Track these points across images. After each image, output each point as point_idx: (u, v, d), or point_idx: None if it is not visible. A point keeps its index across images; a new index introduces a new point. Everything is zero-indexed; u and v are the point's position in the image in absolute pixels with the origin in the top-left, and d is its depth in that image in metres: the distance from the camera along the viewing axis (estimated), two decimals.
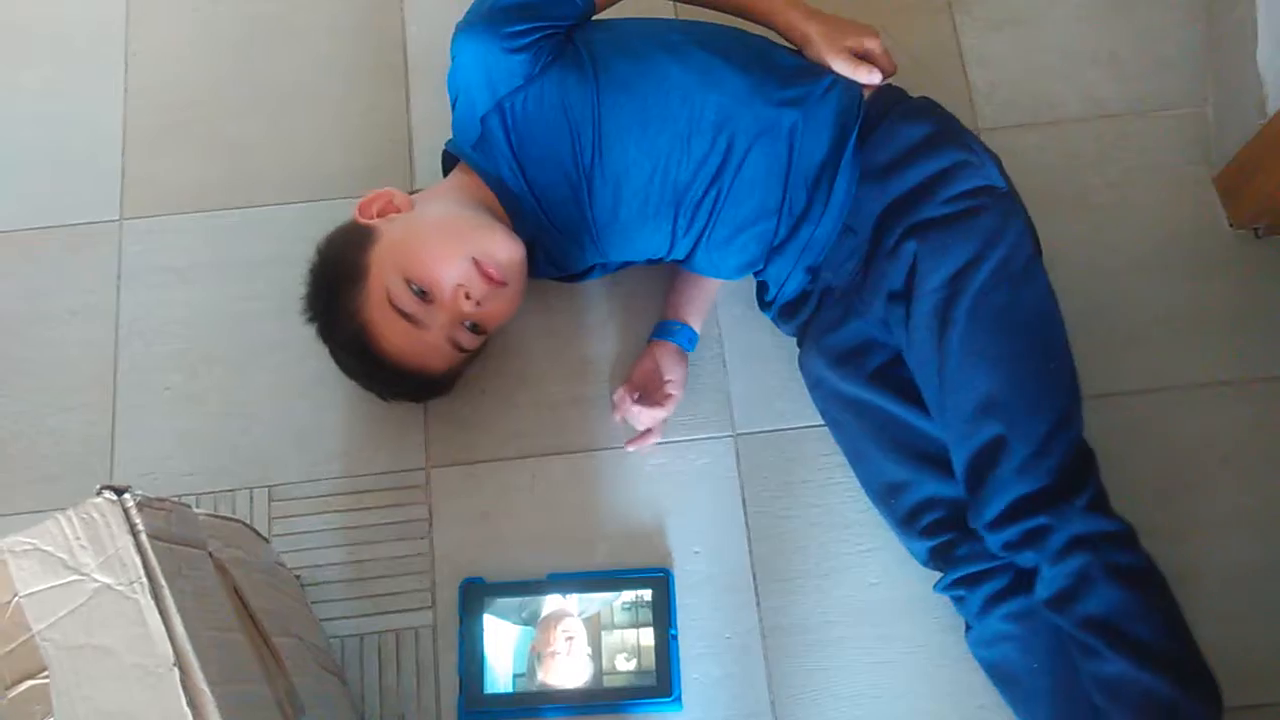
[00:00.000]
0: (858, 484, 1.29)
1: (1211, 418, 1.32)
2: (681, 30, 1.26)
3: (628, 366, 1.36)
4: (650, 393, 1.31)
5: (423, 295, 1.18)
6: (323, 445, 1.34)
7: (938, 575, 1.20)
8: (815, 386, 1.30)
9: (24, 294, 1.41)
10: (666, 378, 1.32)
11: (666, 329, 1.35)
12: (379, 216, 1.23)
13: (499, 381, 1.36)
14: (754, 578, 1.29)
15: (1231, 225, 1.39)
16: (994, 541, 1.11)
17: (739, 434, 1.34)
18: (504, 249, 1.21)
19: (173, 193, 1.46)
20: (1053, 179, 1.42)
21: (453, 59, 1.21)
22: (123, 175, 1.47)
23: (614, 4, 1.27)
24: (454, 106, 1.25)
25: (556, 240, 1.27)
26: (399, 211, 1.23)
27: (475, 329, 1.22)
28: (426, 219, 1.22)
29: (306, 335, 1.37)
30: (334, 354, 1.26)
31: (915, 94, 1.46)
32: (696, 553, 1.30)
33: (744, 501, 1.32)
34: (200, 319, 1.40)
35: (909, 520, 1.21)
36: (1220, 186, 1.40)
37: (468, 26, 1.19)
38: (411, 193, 1.27)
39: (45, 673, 0.79)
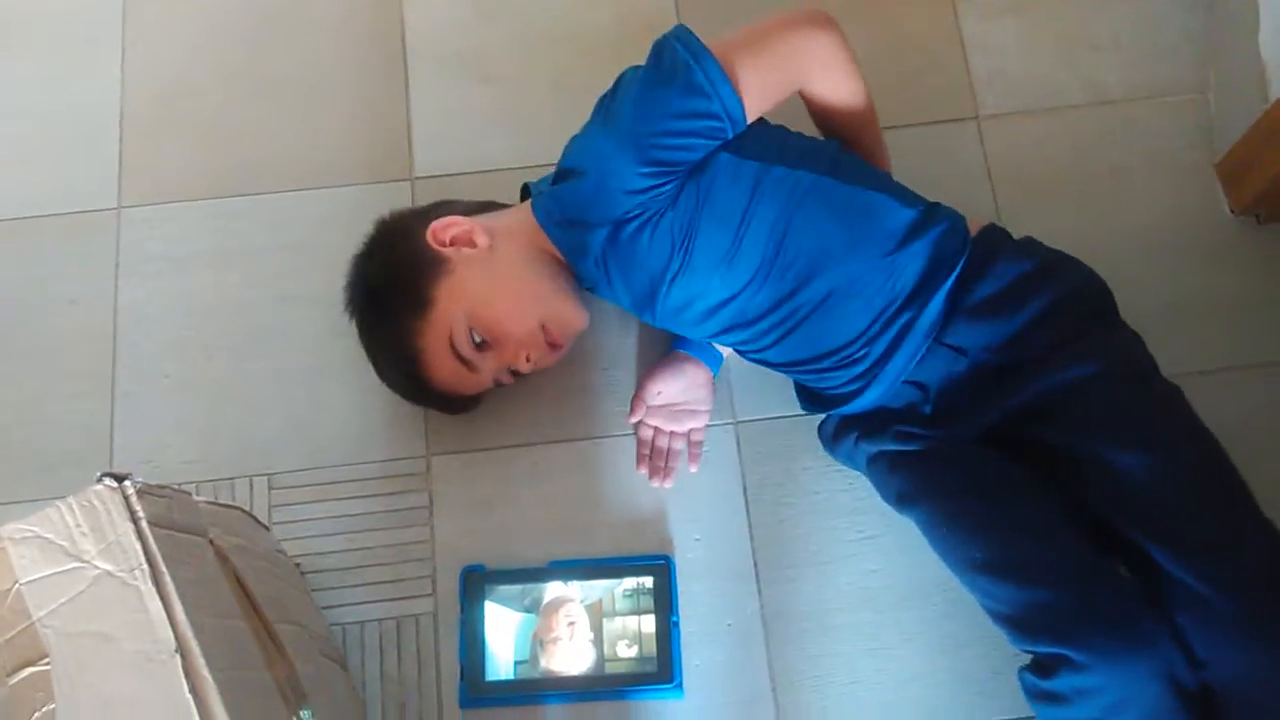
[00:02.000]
0: (858, 471, 1.29)
1: (1214, 404, 1.31)
2: (805, 163, 1.16)
3: (635, 356, 1.36)
4: (673, 415, 1.32)
5: (482, 345, 1.18)
6: (323, 433, 1.34)
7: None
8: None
9: (22, 283, 1.41)
10: (696, 408, 1.32)
11: (704, 351, 1.32)
12: (452, 245, 1.19)
13: None
14: (755, 565, 1.29)
15: (1233, 211, 1.39)
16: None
17: (740, 421, 1.34)
18: (575, 319, 1.23)
19: (171, 181, 1.45)
20: (1054, 166, 1.42)
21: (586, 150, 1.16)
22: (121, 163, 1.46)
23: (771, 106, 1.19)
24: (566, 184, 1.18)
25: (617, 300, 1.27)
26: (475, 247, 1.19)
27: (517, 374, 1.24)
28: (506, 270, 1.19)
29: (306, 323, 1.37)
30: (372, 355, 1.25)
31: (916, 82, 1.46)
32: (697, 540, 1.30)
33: (745, 489, 1.32)
34: (199, 307, 1.40)
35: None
36: (1222, 173, 1.40)
37: (614, 136, 1.12)
38: (483, 205, 1.26)
39: (46, 660, 0.79)
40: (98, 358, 1.37)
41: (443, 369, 1.19)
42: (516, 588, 1.26)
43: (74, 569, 0.81)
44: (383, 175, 1.45)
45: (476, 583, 1.27)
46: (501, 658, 1.24)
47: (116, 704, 0.79)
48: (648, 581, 1.26)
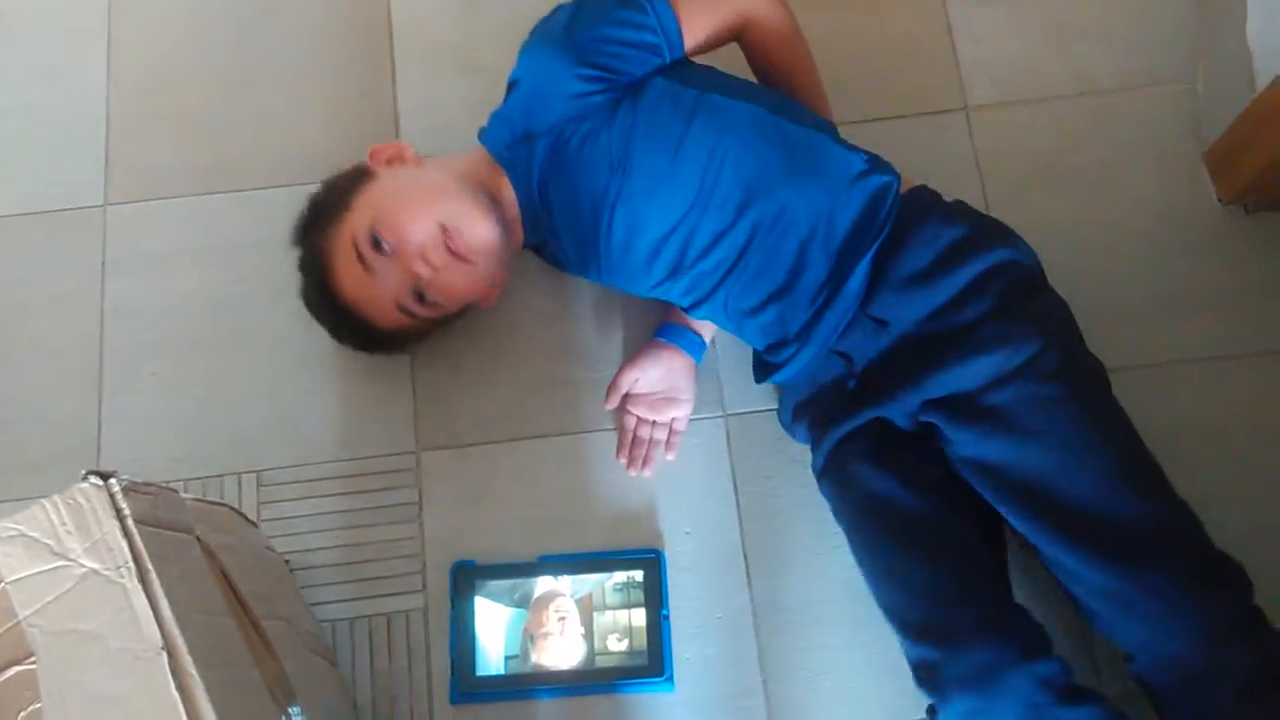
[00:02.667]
0: None
1: (1202, 393, 1.33)
2: (744, 97, 1.19)
3: (621, 350, 1.36)
4: (654, 404, 1.31)
5: (377, 246, 1.16)
6: (311, 429, 1.34)
7: None
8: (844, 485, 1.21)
9: (8, 281, 1.40)
10: (678, 396, 1.31)
11: (684, 338, 1.32)
12: (386, 164, 1.23)
13: (488, 364, 1.36)
14: (745, 557, 1.29)
15: (1221, 201, 1.39)
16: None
17: (729, 414, 1.34)
18: (479, 227, 1.19)
19: (157, 177, 1.44)
20: (1043, 156, 1.42)
21: (523, 60, 1.20)
22: (106, 160, 1.45)
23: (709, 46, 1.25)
24: (507, 99, 1.23)
25: (562, 251, 1.27)
26: (404, 164, 1.23)
27: (424, 299, 1.19)
28: (421, 179, 1.22)
29: (293, 319, 1.36)
30: (301, 277, 1.25)
31: (904, 73, 1.46)
32: (687, 533, 1.30)
33: (735, 482, 1.32)
34: (186, 304, 1.39)
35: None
36: (1210, 162, 1.40)
37: (550, 41, 1.17)
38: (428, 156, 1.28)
39: (32, 658, 0.79)
40: (84, 355, 1.36)
41: (346, 275, 1.18)
42: (507, 583, 1.26)
43: (60, 567, 0.81)
44: None
45: (466, 578, 1.26)
46: (492, 653, 1.24)
47: (103, 702, 0.79)
48: (638, 575, 1.26)
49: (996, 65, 1.47)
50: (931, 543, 1.13)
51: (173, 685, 0.79)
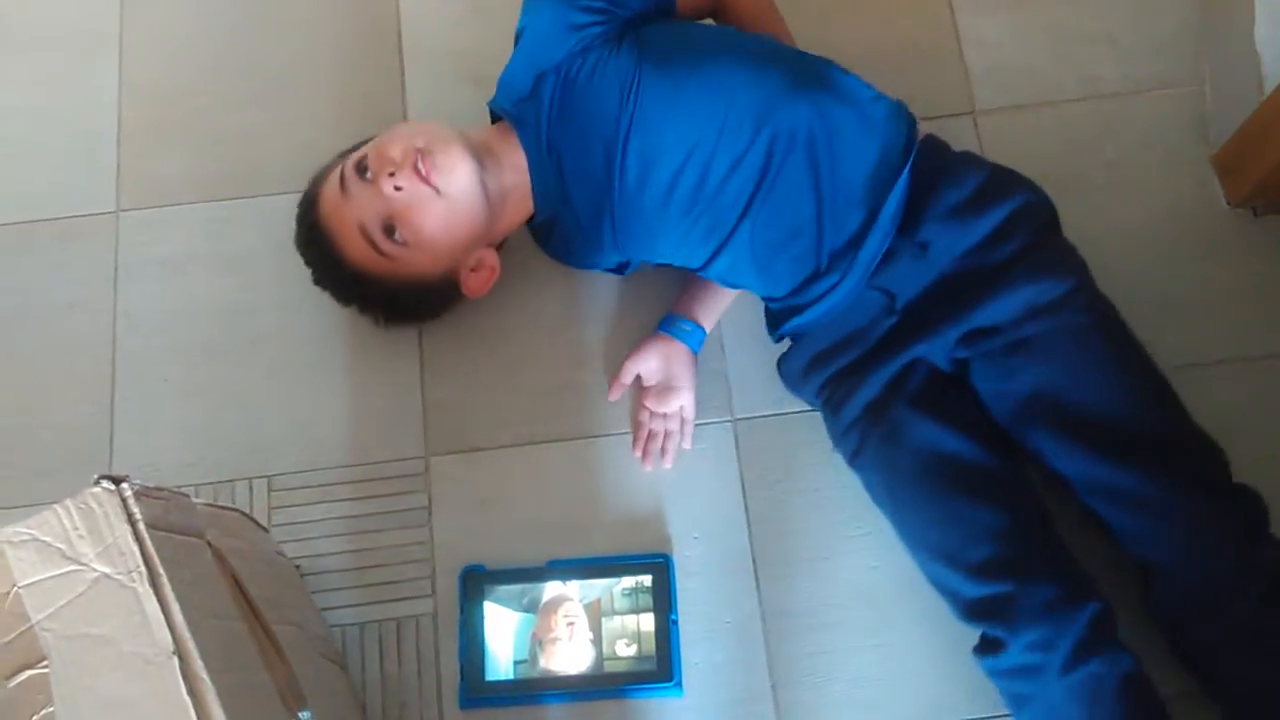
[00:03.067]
0: None
1: (1211, 396, 1.31)
2: (738, 37, 1.26)
3: (627, 353, 1.36)
4: (658, 395, 1.32)
5: (361, 171, 1.19)
6: (322, 435, 1.34)
7: None
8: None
9: (21, 288, 1.41)
10: (677, 384, 1.32)
11: (676, 327, 1.33)
12: None
13: (497, 369, 1.36)
14: (754, 562, 1.29)
15: (1229, 204, 1.39)
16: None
17: (738, 419, 1.34)
18: (453, 157, 1.18)
19: (169, 184, 1.45)
20: (1050, 160, 1.42)
21: (526, 8, 1.26)
22: (118, 167, 1.46)
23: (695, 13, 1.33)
24: (514, 52, 1.27)
25: (574, 217, 1.26)
26: None
27: (391, 232, 1.18)
28: (422, 121, 1.29)
29: (304, 325, 1.38)
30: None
31: (912, 79, 1.46)
32: (696, 538, 1.30)
33: (743, 486, 1.32)
34: (198, 310, 1.40)
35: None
36: (1218, 165, 1.40)
37: None
38: None
39: (45, 662, 0.80)
40: (97, 362, 1.37)
41: (325, 199, 1.22)
42: (515, 587, 1.27)
43: (72, 572, 0.81)
44: None
45: (476, 583, 1.27)
46: (501, 657, 1.25)
47: (115, 706, 0.79)
48: (646, 580, 1.26)
49: (1003, 70, 1.47)
50: (992, 484, 1.16)
51: (184, 689, 0.79)
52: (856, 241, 1.18)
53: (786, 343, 1.30)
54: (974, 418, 1.19)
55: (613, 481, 1.32)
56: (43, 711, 0.79)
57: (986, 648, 1.13)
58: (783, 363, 1.30)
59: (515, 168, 1.24)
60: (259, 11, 1.54)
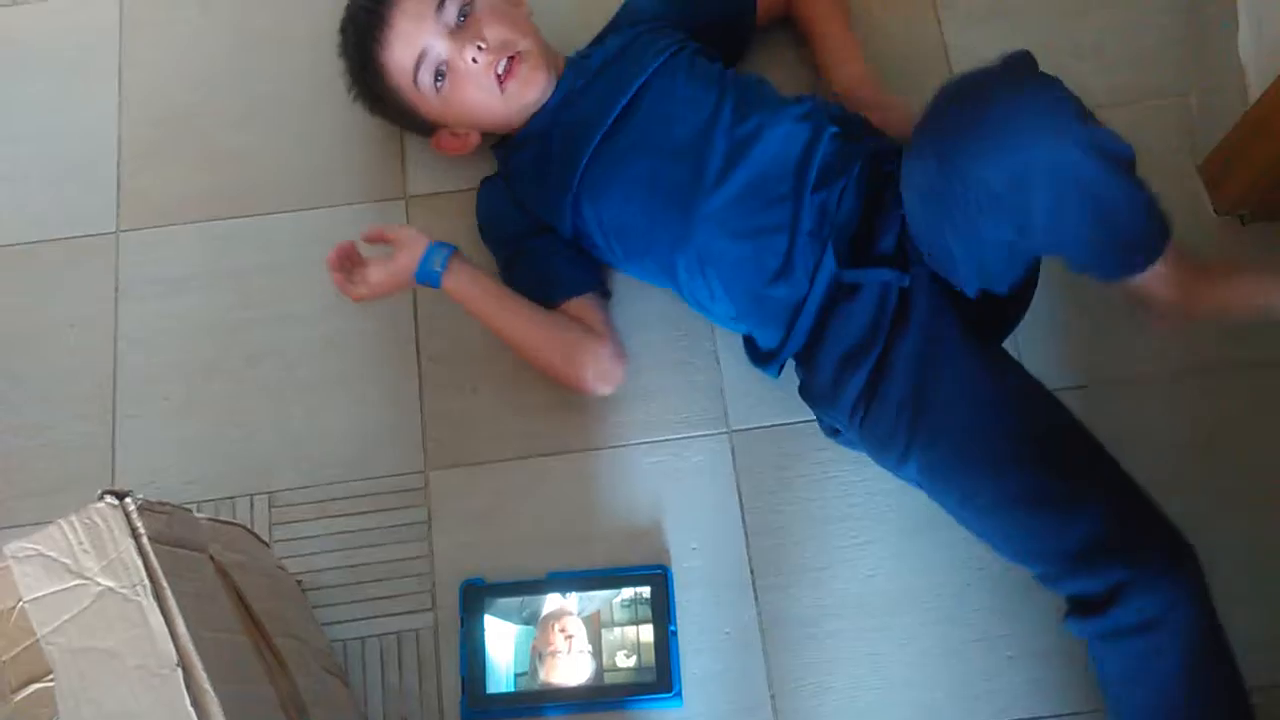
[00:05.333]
0: (853, 477, 1.30)
1: (1199, 404, 1.33)
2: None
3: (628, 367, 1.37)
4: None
5: (462, 14, 1.27)
6: (321, 451, 1.35)
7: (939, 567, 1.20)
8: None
9: (23, 307, 1.43)
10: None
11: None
12: None
13: (494, 383, 1.38)
14: (751, 572, 1.30)
15: (1216, 212, 1.40)
16: None
17: (733, 430, 1.35)
18: (535, 81, 1.30)
19: (168, 204, 1.47)
20: None
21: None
22: (118, 188, 1.48)
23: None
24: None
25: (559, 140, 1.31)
26: (521, 4, 1.36)
27: (439, 76, 1.28)
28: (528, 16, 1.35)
29: (303, 342, 1.39)
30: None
31: (903, 92, 1.47)
32: (694, 549, 1.31)
33: (740, 497, 1.33)
34: (198, 329, 1.41)
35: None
36: (1204, 174, 1.41)
37: None
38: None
39: (50, 676, 0.81)
40: (98, 381, 1.39)
41: (411, 4, 1.26)
42: (515, 600, 1.27)
43: (77, 586, 0.82)
44: (377, 194, 1.47)
45: (476, 596, 1.28)
46: (502, 670, 1.25)
47: (120, 719, 0.80)
48: (645, 591, 1.27)
49: None
50: (1058, 423, 1.14)
51: (188, 701, 0.80)
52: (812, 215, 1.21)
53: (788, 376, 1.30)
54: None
55: (611, 494, 1.33)
56: None
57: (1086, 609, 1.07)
58: (808, 383, 1.25)
59: (556, 71, 1.33)
60: (255, 34, 1.56)
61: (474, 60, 1.26)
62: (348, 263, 1.30)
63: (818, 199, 1.21)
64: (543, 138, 1.33)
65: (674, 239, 1.25)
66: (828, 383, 1.20)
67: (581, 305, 1.33)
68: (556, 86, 1.33)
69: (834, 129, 1.25)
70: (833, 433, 1.28)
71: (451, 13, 1.27)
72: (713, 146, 1.24)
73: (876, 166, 1.22)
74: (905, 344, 1.16)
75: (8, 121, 1.52)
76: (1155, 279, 1.11)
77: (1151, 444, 1.31)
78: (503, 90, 1.28)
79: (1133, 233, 1.07)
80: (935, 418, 1.14)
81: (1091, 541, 1.07)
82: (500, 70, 1.27)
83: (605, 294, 1.37)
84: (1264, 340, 1.34)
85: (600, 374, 1.31)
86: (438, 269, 1.28)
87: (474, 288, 1.30)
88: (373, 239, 1.31)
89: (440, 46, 1.27)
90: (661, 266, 1.29)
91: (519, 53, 1.28)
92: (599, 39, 1.40)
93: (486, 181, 1.41)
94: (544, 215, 1.34)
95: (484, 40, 1.26)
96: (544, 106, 1.32)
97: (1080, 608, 1.08)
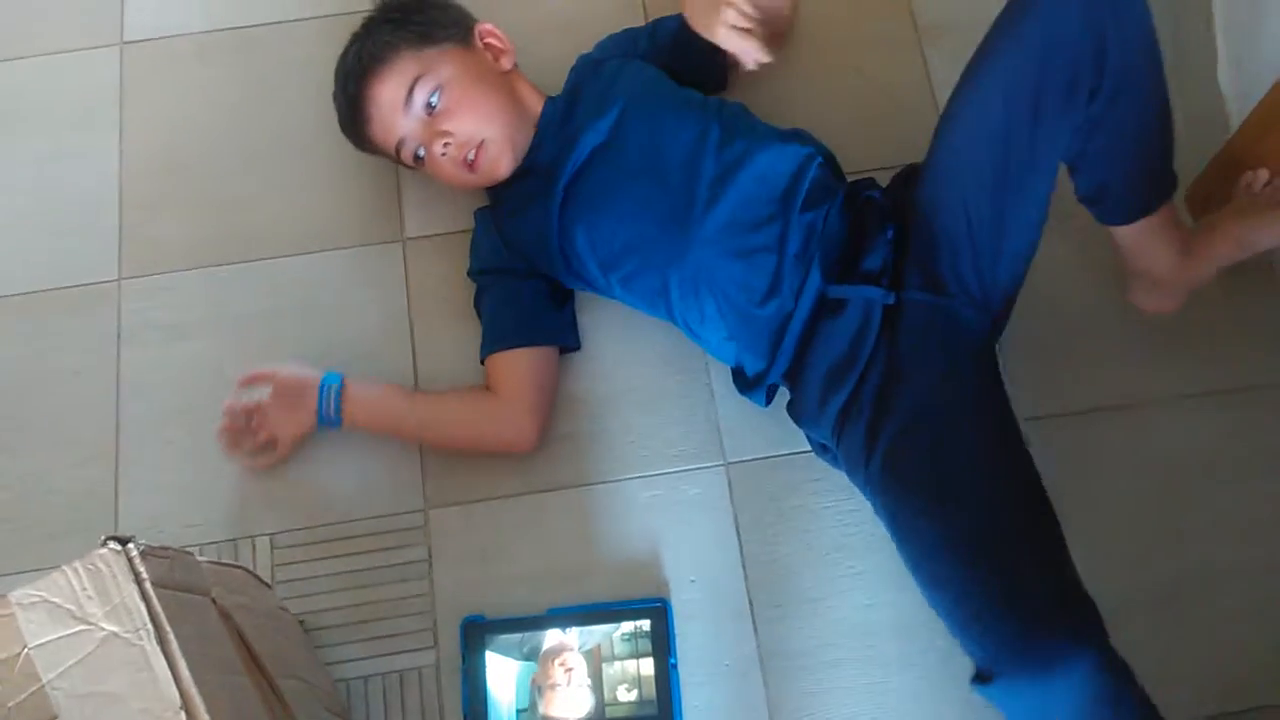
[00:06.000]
0: (849, 506, 1.32)
1: (1190, 429, 1.35)
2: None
3: (619, 402, 1.39)
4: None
5: (433, 110, 1.32)
6: (322, 492, 1.37)
7: None
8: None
9: (27, 355, 1.44)
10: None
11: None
12: (485, 48, 1.39)
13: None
14: (750, 604, 1.31)
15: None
16: None
17: (730, 463, 1.37)
18: (502, 163, 1.35)
19: (169, 251, 1.49)
20: None
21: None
22: (120, 236, 1.50)
23: None
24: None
25: (538, 178, 1.36)
26: (498, 61, 1.40)
27: (418, 159, 1.36)
28: (501, 87, 1.38)
29: None
30: (352, 48, 1.38)
31: (888, 124, 1.51)
32: (693, 581, 1.32)
33: (737, 529, 1.34)
34: (200, 374, 1.42)
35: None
36: (1189, 202, 1.43)
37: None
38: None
39: None
40: (101, 426, 1.40)
41: (385, 89, 1.32)
42: (516, 636, 1.28)
43: (81, 631, 0.84)
44: (374, 237, 1.49)
45: (477, 633, 1.29)
46: (504, 706, 1.26)
47: None
48: (645, 625, 1.28)
49: None
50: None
51: None
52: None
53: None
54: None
55: (608, 528, 1.34)
56: None
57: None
58: (796, 401, 1.28)
59: (530, 126, 1.38)
60: (254, 83, 1.58)
61: (442, 154, 1.32)
62: (242, 434, 1.34)
63: (805, 220, 1.24)
64: (526, 174, 1.37)
65: (668, 259, 1.28)
66: (814, 400, 1.23)
67: (509, 360, 1.35)
68: (536, 127, 1.38)
69: (820, 158, 1.30)
70: (822, 450, 1.30)
71: (419, 103, 1.32)
72: (702, 168, 1.27)
73: (858, 192, 1.28)
74: (882, 366, 1.18)
75: (9, 172, 1.54)
76: (1153, 236, 1.23)
77: (1132, 467, 1.34)
78: (474, 172, 1.34)
79: (1162, 156, 1.20)
80: (894, 445, 1.16)
81: (996, 613, 1.09)
82: (470, 157, 1.33)
83: (559, 347, 1.39)
84: (1239, 368, 1.37)
85: (509, 441, 1.35)
86: (334, 415, 1.34)
87: (371, 415, 1.35)
88: (250, 381, 1.35)
89: (413, 138, 1.34)
90: (655, 289, 1.31)
91: (484, 140, 1.32)
92: (577, 73, 1.43)
93: (478, 212, 1.44)
94: (531, 248, 1.36)
95: (450, 136, 1.31)
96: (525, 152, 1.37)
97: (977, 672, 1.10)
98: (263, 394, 1.34)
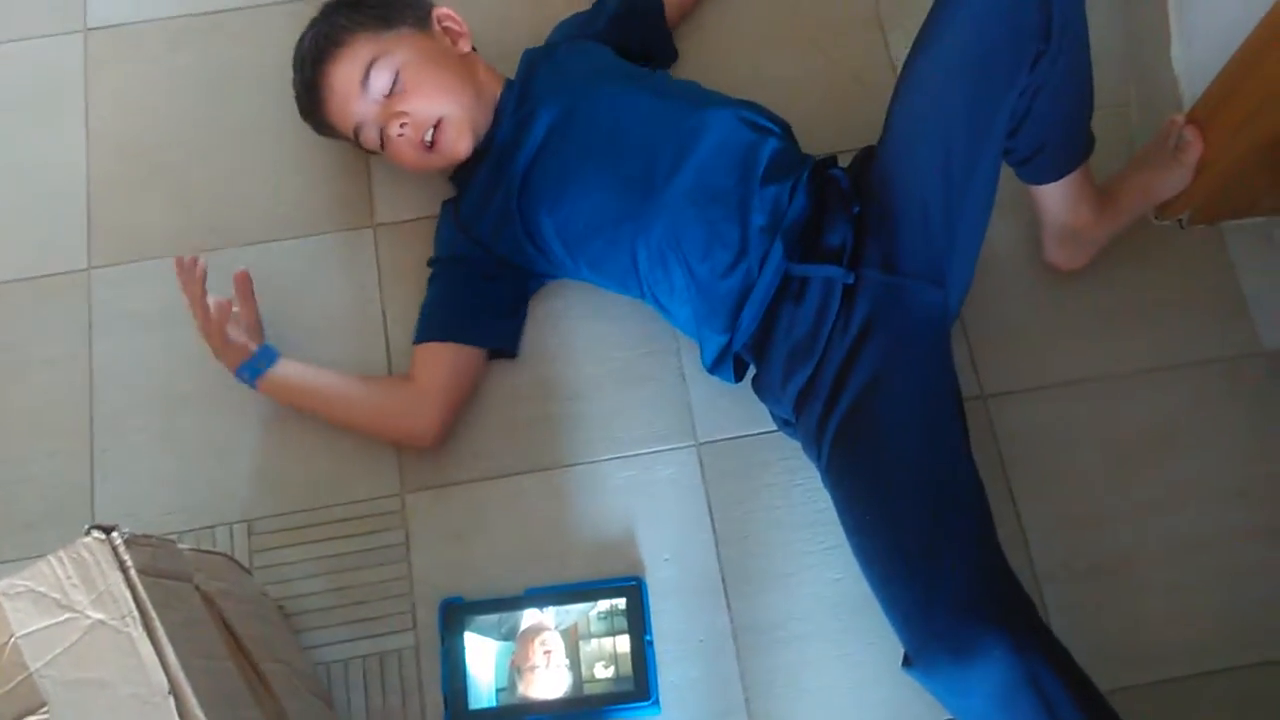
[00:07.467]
0: (818, 484, 1.34)
1: (1145, 404, 1.39)
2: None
3: (595, 384, 1.41)
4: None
5: (391, 90, 1.32)
6: (298, 478, 1.38)
7: None
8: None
9: None
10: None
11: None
12: (443, 31, 1.39)
13: (468, 403, 1.40)
14: (723, 581, 1.33)
15: (1156, 218, 1.45)
16: None
17: (701, 443, 1.39)
18: (460, 144, 1.35)
19: (139, 239, 1.49)
20: None
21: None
22: (89, 224, 1.49)
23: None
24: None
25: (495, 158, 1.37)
26: (455, 44, 1.40)
27: (378, 144, 1.36)
28: (459, 70, 1.37)
29: None
30: (309, 32, 1.38)
31: (855, 109, 1.53)
32: (667, 560, 1.34)
33: (710, 508, 1.36)
34: (171, 361, 1.43)
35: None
36: None
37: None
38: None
39: (45, 708, 0.82)
40: (74, 416, 1.40)
41: (341, 70, 1.33)
42: (494, 617, 1.30)
43: (67, 619, 0.85)
44: (345, 224, 1.50)
45: (455, 614, 1.30)
46: (484, 686, 1.28)
47: None
48: (620, 603, 1.30)
49: None
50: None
51: None
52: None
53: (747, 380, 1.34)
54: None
55: (583, 509, 1.36)
56: None
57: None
58: (760, 376, 1.30)
59: (489, 108, 1.39)
60: (221, 68, 1.58)
61: (399, 135, 1.32)
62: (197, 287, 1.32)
63: (769, 193, 1.26)
64: (484, 158, 1.38)
65: (634, 230, 1.29)
66: (778, 379, 1.26)
67: (434, 351, 1.36)
68: (494, 112, 1.38)
69: (778, 129, 1.34)
70: (784, 424, 1.33)
71: (377, 86, 1.32)
72: (660, 141, 1.29)
73: (822, 169, 1.29)
74: (841, 346, 1.21)
75: None
76: (1077, 190, 1.30)
77: (1097, 442, 1.37)
78: (433, 152, 1.35)
79: (1090, 110, 1.25)
80: (841, 429, 1.20)
81: (914, 599, 1.14)
82: (428, 138, 1.33)
83: (488, 350, 1.39)
84: (1189, 342, 1.41)
85: (411, 431, 1.36)
86: (249, 382, 1.34)
87: (282, 391, 1.36)
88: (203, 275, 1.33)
89: (371, 120, 1.34)
90: (625, 266, 1.32)
91: (442, 119, 1.33)
92: (529, 58, 1.44)
93: (443, 203, 1.45)
94: (495, 235, 1.37)
95: (406, 116, 1.31)
96: (484, 135, 1.38)
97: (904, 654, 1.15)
98: (223, 304, 1.31)
